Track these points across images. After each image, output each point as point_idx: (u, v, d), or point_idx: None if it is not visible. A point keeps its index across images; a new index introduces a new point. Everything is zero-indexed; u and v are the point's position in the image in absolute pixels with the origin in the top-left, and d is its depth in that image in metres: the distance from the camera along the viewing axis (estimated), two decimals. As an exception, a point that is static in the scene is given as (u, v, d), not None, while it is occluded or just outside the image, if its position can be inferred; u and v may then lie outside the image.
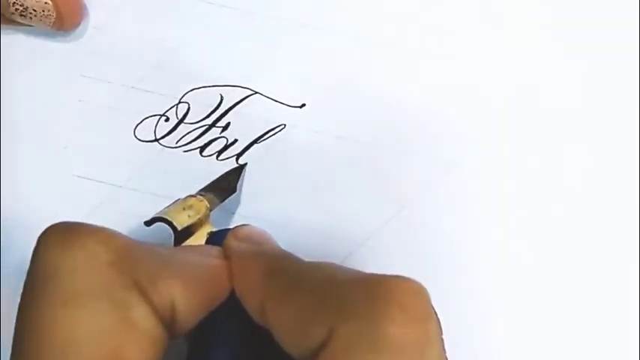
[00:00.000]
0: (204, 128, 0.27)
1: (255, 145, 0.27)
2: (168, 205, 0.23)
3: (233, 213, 0.27)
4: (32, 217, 0.27)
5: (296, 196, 0.27)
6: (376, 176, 0.27)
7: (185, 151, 0.27)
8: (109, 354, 0.16)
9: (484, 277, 0.26)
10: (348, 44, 0.27)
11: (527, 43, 0.27)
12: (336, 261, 0.21)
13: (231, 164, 0.27)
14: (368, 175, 0.27)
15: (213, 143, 0.27)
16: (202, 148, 0.27)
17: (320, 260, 0.19)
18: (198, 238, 0.22)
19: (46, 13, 0.26)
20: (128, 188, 0.27)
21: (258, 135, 0.27)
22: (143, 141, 0.27)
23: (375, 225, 0.27)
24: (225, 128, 0.27)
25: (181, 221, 0.22)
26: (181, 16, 0.27)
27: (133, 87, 0.27)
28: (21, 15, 0.26)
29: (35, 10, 0.25)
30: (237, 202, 0.27)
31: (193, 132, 0.27)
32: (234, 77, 0.27)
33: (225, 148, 0.27)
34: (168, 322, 0.17)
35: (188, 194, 0.24)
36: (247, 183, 0.26)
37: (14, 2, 0.25)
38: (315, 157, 0.27)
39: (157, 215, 0.22)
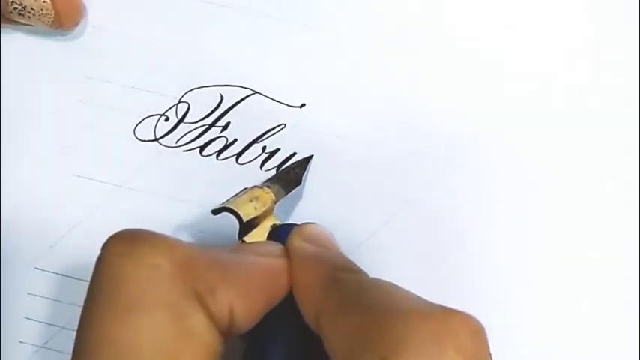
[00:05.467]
0: (204, 128, 0.27)
1: (255, 145, 0.27)
2: (235, 194, 0.23)
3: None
4: (32, 216, 0.27)
5: (296, 196, 0.27)
6: (376, 176, 0.27)
7: (185, 151, 0.27)
8: None
9: (484, 277, 0.26)
10: (348, 44, 0.27)
11: (527, 42, 0.27)
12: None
13: (231, 164, 0.27)
14: (368, 174, 0.27)
15: (213, 143, 0.27)
16: (202, 148, 0.27)
17: None
18: (262, 231, 0.23)
19: (44, 12, 0.25)
20: (128, 188, 0.27)
21: (258, 135, 0.27)
22: (143, 141, 0.27)
23: (375, 225, 0.27)
24: (224, 128, 0.27)
25: (247, 213, 0.22)
26: (181, 15, 0.27)
27: (132, 87, 0.27)
28: (19, 14, 0.25)
29: (34, 10, 0.25)
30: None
31: (193, 132, 0.27)
32: (234, 77, 0.27)
33: (225, 147, 0.27)
34: (226, 328, 0.18)
35: (254, 185, 0.24)
36: (247, 183, 0.26)
37: (13, 1, 0.25)
38: (315, 157, 0.27)
39: (224, 205, 0.22)
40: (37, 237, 0.27)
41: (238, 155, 0.27)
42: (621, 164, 0.27)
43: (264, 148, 0.27)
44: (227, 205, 0.22)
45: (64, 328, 0.27)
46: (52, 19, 0.26)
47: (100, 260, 0.17)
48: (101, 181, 0.27)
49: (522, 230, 0.26)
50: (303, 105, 0.27)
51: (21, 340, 0.27)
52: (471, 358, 0.16)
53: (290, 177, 0.26)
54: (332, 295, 0.18)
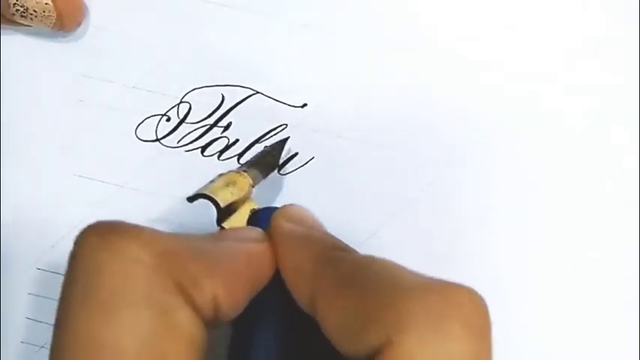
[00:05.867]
0: (205, 128, 0.27)
1: (257, 145, 0.27)
2: (211, 179, 0.23)
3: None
4: (33, 216, 0.27)
5: (296, 196, 0.27)
6: (376, 176, 0.27)
7: (186, 151, 0.27)
8: None
9: (485, 277, 0.26)
10: (349, 44, 0.27)
11: (527, 42, 0.27)
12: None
13: (233, 164, 0.27)
14: (368, 174, 0.27)
15: (215, 143, 0.27)
16: (204, 148, 0.27)
17: None
18: (241, 216, 0.22)
19: (46, 13, 0.25)
20: (129, 188, 0.27)
21: (260, 135, 0.27)
22: (144, 141, 0.27)
23: (375, 224, 0.27)
24: (226, 128, 0.27)
25: (224, 198, 0.21)
26: (182, 15, 0.27)
27: (134, 87, 0.27)
28: (21, 16, 0.25)
29: (36, 11, 0.25)
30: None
31: (195, 132, 0.27)
32: (236, 77, 0.27)
33: (227, 148, 0.27)
34: (211, 319, 0.17)
35: (230, 170, 0.23)
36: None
37: (15, 3, 0.25)
38: (316, 157, 0.27)
39: (200, 192, 0.21)
40: (38, 237, 0.27)
41: (240, 155, 0.27)
42: (621, 164, 0.27)
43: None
44: (203, 192, 0.21)
45: (65, 328, 0.27)
46: (54, 20, 0.26)
47: (75, 254, 0.16)
48: (102, 181, 0.27)
49: (522, 230, 0.27)
50: (304, 105, 0.27)
51: (22, 340, 0.27)
52: (476, 332, 0.16)
53: (267, 160, 0.25)
54: (326, 275, 0.17)
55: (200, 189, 0.22)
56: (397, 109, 0.27)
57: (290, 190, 0.27)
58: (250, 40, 0.27)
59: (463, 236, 0.27)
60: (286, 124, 0.27)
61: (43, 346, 0.27)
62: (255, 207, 0.23)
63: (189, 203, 0.21)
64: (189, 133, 0.27)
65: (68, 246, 0.27)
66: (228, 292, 0.17)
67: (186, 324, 0.16)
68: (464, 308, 0.16)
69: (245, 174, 0.23)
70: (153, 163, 0.27)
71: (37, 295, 0.27)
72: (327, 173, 0.27)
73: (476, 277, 0.26)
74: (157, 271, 0.16)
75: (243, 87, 0.27)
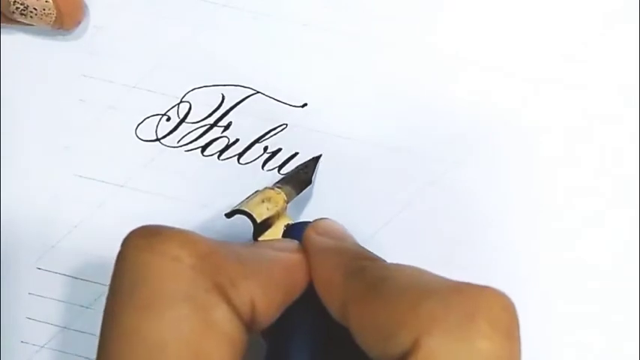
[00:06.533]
0: (205, 128, 0.27)
1: (257, 145, 0.27)
2: (247, 197, 0.24)
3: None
4: (33, 217, 0.27)
5: (299, 196, 0.27)
6: (377, 176, 0.27)
7: (186, 151, 0.27)
8: (193, 357, 0.16)
9: (485, 279, 0.26)
10: (349, 44, 0.27)
11: (527, 43, 0.27)
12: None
13: (233, 164, 0.27)
14: (369, 175, 0.27)
15: (215, 143, 0.27)
16: (204, 148, 0.27)
17: None
18: (276, 230, 0.23)
19: (46, 12, 0.25)
20: (129, 188, 0.27)
21: (260, 134, 0.27)
22: (144, 140, 0.27)
23: (376, 225, 0.27)
24: (226, 128, 0.27)
25: (260, 213, 0.22)
26: (183, 15, 0.27)
27: (134, 86, 0.27)
28: (21, 14, 0.25)
29: (36, 9, 0.25)
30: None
31: (195, 131, 0.27)
32: (236, 77, 0.27)
33: (227, 147, 0.27)
34: (248, 321, 0.18)
35: (265, 186, 0.24)
36: (249, 183, 0.26)
37: (15, 1, 0.25)
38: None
39: (237, 208, 0.22)
40: (38, 237, 0.27)
41: (240, 155, 0.27)
42: (621, 164, 0.27)
43: (265, 148, 0.27)
44: (240, 207, 0.22)
45: (65, 328, 0.27)
46: (53, 18, 0.26)
47: (121, 255, 0.17)
48: (103, 181, 0.27)
49: (526, 230, 0.26)
50: (304, 105, 0.27)
51: (22, 340, 0.27)
52: (504, 331, 0.16)
53: (300, 177, 0.26)
54: (357, 283, 0.18)
55: (237, 205, 0.23)
56: (398, 109, 0.27)
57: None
58: (250, 40, 0.27)
59: (466, 237, 0.26)
60: (286, 124, 0.27)
61: (43, 346, 0.27)
62: (290, 222, 0.23)
63: (227, 218, 0.22)
64: (189, 132, 0.27)
65: (69, 246, 0.27)
66: (264, 295, 0.18)
67: (225, 322, 0.17)
68: (490, 307, 0.16)
69: (280, 190, 0.24)
70: (153, 162, 0.27)
71: (37, 295, 0.27)
72: (328, 173, 0.27)
73: (479, 278, 0.26)
74: (197, 270, 0.17)
75: (243, 87, 0.27)
